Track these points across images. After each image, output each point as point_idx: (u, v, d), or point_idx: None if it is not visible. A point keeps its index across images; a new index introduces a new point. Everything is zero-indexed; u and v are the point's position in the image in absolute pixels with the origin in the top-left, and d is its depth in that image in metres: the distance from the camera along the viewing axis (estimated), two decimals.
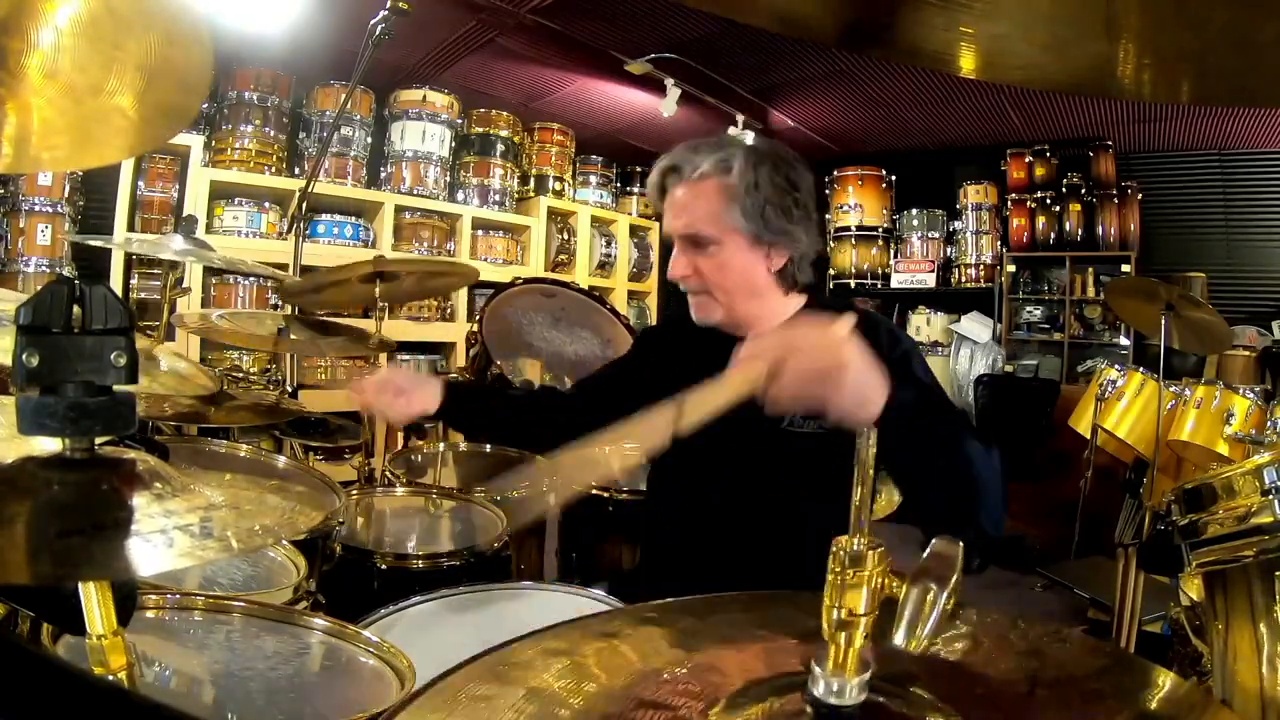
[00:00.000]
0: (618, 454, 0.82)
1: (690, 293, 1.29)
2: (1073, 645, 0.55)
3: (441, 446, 2.34)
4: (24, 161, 0.83)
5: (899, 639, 0.42)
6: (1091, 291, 4.75)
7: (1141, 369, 3.09)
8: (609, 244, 5.28)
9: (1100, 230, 4.68)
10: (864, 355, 0.81)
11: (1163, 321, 2.81)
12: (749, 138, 4.45)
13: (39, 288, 0.49)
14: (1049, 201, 4.84)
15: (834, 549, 0.44)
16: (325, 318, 2.13)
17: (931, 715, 0.45)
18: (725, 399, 0.80)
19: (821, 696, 0.43)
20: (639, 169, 5.67)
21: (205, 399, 1.53)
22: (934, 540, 0.45)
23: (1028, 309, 4.98)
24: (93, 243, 2.99)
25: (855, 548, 0.44)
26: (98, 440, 0.51)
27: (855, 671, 0.43)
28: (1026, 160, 4.92)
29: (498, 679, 0.48)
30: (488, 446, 2.27)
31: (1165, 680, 0.52)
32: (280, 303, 3.70)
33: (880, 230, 5.42)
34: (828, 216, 5.45)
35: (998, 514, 0.95)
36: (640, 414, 0.80)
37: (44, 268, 3.18)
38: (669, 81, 4.06)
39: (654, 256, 5.64)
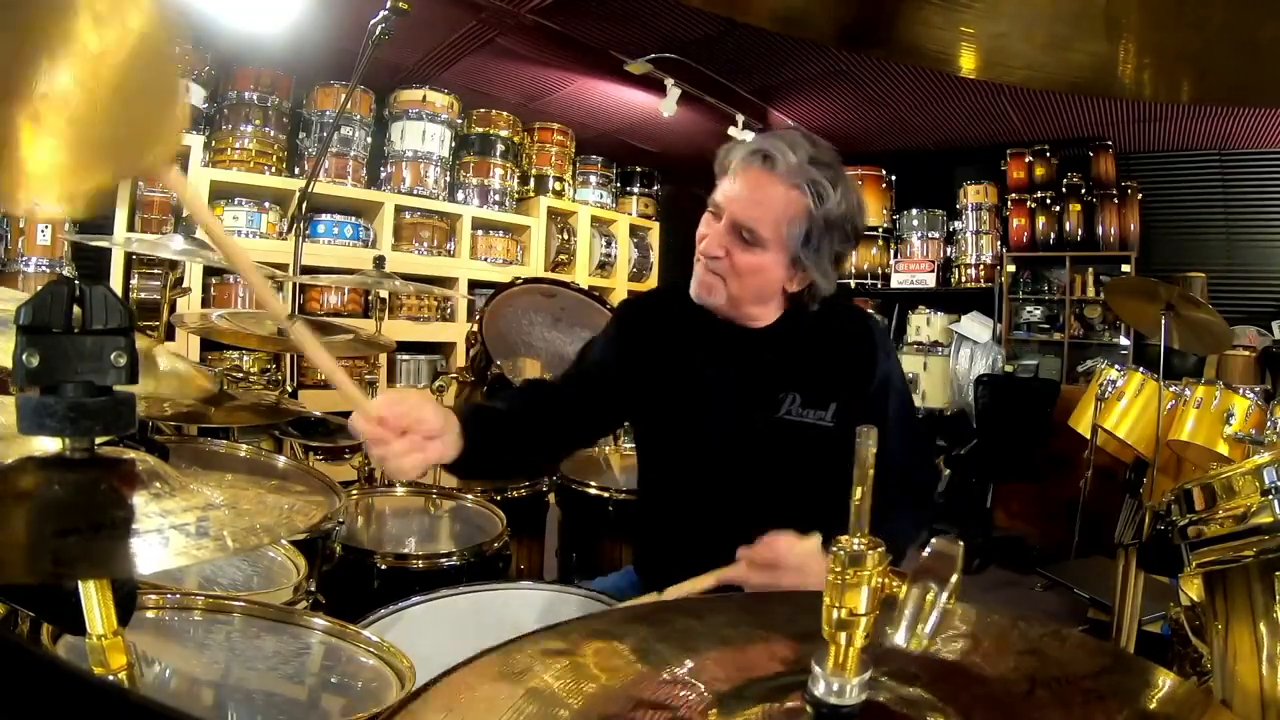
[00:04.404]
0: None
1: (705, 267, 1.24)
2: (1072, 645, 0.55)
3: None
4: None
5: (900, 638, 0.42)
6: (1091, 291, 4.74)
7: (1141, 369, 3.09)
8: (609, 244, 5.28)
9: (1100, 230, 4.68)
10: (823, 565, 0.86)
11: (1163, 321, 2.81)
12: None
13: (39, 288, 0.49)
14: (1049, 201, 4.83)
15: (833, 549, 0.44)
16: (325, 318, 2.13)
17: (932, 715, 0.45)
18: (702, 588, 1.01)
19: (822, 696, 0.43)
20: (639, 169, 5.66)
21: (206, 399, 1.52)
22: (934, 540, 0.45)
23: (1028, 309, 4.97)
24: (93, 243, 2.98)
25: (855, 547, 0.44)
26: (97, 440, 0.51)
27: (855, 671, 0.43)
28: (1026, 160, 4.92)
29: (497, 679, 0.48)
30: None
31: (1165, 680, 0.52)
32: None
33: (880, 230, 5.42)
34: None
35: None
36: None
37: (44, 268, 3.17)
38: (669, 81, 4.05)
39: (654, 256, 5.64)
